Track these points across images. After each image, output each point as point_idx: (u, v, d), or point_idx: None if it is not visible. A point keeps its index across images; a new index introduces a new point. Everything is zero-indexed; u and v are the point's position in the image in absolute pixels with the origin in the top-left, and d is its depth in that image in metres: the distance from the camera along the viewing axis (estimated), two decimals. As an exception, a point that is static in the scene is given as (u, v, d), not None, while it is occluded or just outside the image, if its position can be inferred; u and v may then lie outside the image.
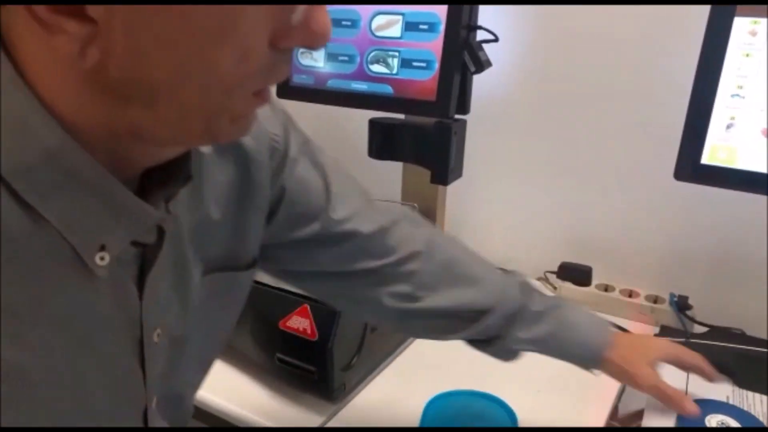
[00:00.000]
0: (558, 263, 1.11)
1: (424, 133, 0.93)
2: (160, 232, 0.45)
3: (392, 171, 1.05)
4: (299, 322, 0.80)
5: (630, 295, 1.05)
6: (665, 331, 0.92)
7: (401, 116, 0.99)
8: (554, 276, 1.12)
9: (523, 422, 0.76)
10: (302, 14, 0.37)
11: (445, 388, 0.83)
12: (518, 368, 0.88)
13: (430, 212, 1.03)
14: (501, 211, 1.20)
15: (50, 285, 0.39)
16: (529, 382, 0.84)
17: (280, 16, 0.36)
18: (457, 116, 0.92)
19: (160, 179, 0.44)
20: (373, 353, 0.88)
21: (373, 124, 0.99)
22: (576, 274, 1.09)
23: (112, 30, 0.33)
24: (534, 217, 1.17)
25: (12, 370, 0.37)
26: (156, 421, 0.52)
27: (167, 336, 0.50)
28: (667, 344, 0.72)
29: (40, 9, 0.31)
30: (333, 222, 0.63)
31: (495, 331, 0.69)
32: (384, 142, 0.98)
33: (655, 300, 1.03)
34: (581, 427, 0.69)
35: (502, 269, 0.72)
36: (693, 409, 0.66)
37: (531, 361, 0.92)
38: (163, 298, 0.48)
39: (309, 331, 0.79)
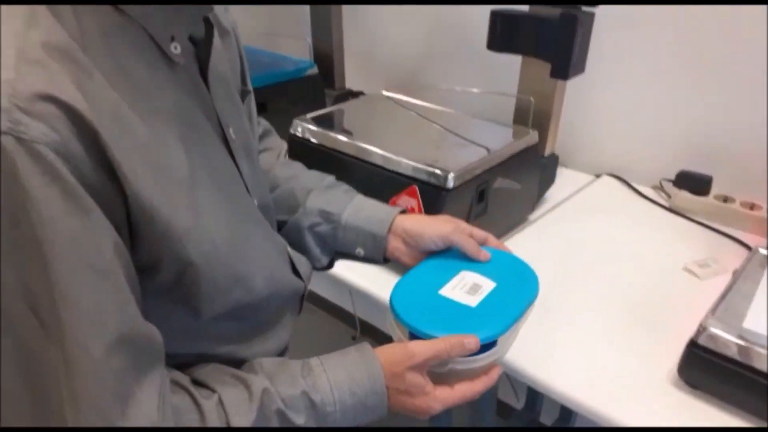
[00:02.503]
0: (676, 171, 1.07)
1: (548, 25, 0.91)
2: (208, 30, 0.56)
3: (510, 65, 1.03)
4: (407, 202, 0.85)
5: (752, 208, 1.00)
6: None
7: (525, 8, 0.97)
8: (670, 184, 1.09)
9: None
10: None
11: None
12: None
13: (546, 111, 1.02)
14: (619, 112, 1.16)
15: (151, 74, 0.48)
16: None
17: None
18: (584, 8, 0.89)
19: None
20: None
21: (494, 14, 0.97)
22: (694, 182, 1.04)
23: None
24: (654, 120, 1.12)
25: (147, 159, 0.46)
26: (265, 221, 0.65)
27: (240, 139, 0.61)
28: (443, 227, 0.75)
29: None
30: None
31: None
32: (505, 34, 0.97)
33: (779, 215, 0.98)
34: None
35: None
36: (486, 256, 0.74)
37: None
38: (225, 100, 0.59)
39: (416, 211, 0.84)
